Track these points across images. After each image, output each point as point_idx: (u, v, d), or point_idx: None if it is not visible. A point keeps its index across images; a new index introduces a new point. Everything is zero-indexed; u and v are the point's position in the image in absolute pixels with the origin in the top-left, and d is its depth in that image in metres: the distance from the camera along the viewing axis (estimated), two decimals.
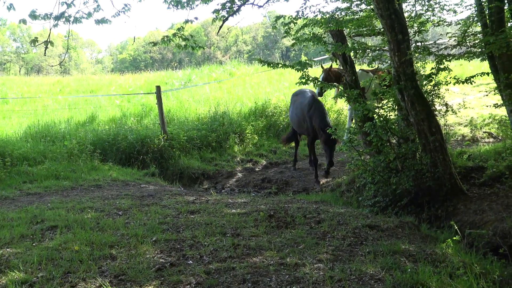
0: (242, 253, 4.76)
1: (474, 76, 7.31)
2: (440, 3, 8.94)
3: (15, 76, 39.89)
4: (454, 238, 5.24)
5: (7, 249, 4.99)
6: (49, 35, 8.37)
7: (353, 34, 9.45)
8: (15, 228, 5.74)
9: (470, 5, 8.59)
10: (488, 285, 4.13)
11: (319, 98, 11.00)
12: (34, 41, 8.26)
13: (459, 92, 17.48)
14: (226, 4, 8.72)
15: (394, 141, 7.92)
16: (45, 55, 13.45)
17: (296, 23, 8.96)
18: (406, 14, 8.78)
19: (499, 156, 8.18)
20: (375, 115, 7.81)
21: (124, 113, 16.36)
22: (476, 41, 8.15)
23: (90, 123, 14.98)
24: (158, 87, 13.01)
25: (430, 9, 8.95)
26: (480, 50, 7.84)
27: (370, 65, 9.55)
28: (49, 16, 7.89)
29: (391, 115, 8.22)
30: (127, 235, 5.38)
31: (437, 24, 9.17)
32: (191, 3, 8.69)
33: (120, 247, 5.00)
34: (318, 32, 8.97)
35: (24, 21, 7.73)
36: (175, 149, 12.25)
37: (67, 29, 8.33)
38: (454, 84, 7.73)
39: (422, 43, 8.70)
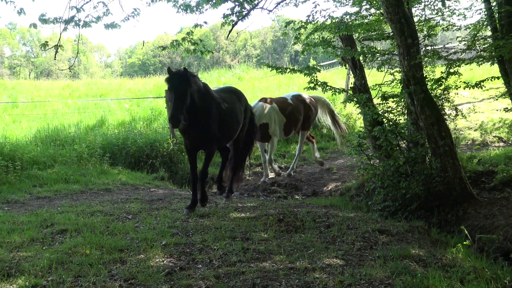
0: (252, 257, 4.75)
1: (484, 80, 7.29)
2: (450, 8, 8.93)
3: (25, 80, 40.19)
4: (465, 242, 5.22)
5: (18, 253, 5.01)
6: (59, 39, 8.45)
7: (362, 38, 9.44)
8: (25, 232, 5.77)
9: (480, 9, 8.58)
10: None
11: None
12: (44, 45, 8.33)
13: (468, 96, 17.38)
14: (235, 9, 8.76)
15: (403, 145, 7.90)
16: (55, 59, 13.53)
17: (306, 27, 8.97)
18: (415, 19, 8.78)
19: (509, 160, 8.15)
20: (384, 120, 7.80)
21: (134, 117, 16.41)
22: (486, 45, 8.12)
23: (99, 127, 15.01)
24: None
25: (440, 13, 8.94)
26: (490, 54, 7.82)
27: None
28: (58, 20, 7.96)
29: (401, 120, 8.20)
30: (137, 239, 5.39)
31: (446, 29, 9.14)
32: (200, 7, 8.75)
33: (130, 251, 5.01)
34: (328, 37, 8.97)
35: (34, 25, 7.79)
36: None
37: (77, 33, 8.40)
38: (463, 88, 7.70)
39: (432, 47, 8.67)
